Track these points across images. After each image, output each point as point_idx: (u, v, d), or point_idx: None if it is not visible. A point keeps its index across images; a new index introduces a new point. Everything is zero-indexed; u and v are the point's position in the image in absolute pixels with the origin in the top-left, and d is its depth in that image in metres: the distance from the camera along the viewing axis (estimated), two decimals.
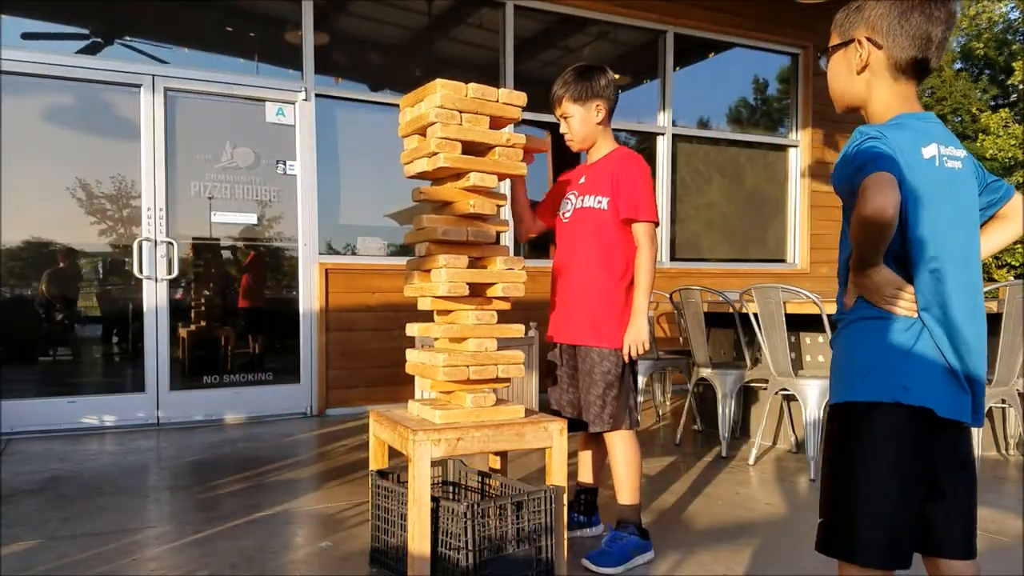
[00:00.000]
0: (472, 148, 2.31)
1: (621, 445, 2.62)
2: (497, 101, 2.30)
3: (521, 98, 2.32)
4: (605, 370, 2.55)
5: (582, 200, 2.65)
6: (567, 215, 2.71)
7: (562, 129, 2.70)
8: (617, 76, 2.73)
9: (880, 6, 1.48)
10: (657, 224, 2.59)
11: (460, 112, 2.24)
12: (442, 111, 2.21)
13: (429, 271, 2.31)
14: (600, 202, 2.60)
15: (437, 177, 2.40)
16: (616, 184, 2.57)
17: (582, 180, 2.69)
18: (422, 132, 2.32)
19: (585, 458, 2.83)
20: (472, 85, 2.25)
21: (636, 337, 2.54)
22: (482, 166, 2.28)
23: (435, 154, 2.23)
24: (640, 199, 2.54)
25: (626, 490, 2.62)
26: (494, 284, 2.32)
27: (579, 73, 2.63)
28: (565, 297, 2.67)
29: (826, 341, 4.05)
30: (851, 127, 7.43)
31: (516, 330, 2.38)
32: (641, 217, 2.54)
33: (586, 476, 2.83)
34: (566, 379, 2.69)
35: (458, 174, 2.31)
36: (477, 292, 2.32)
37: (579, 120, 2.64)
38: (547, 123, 6.31)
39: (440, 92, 2.21)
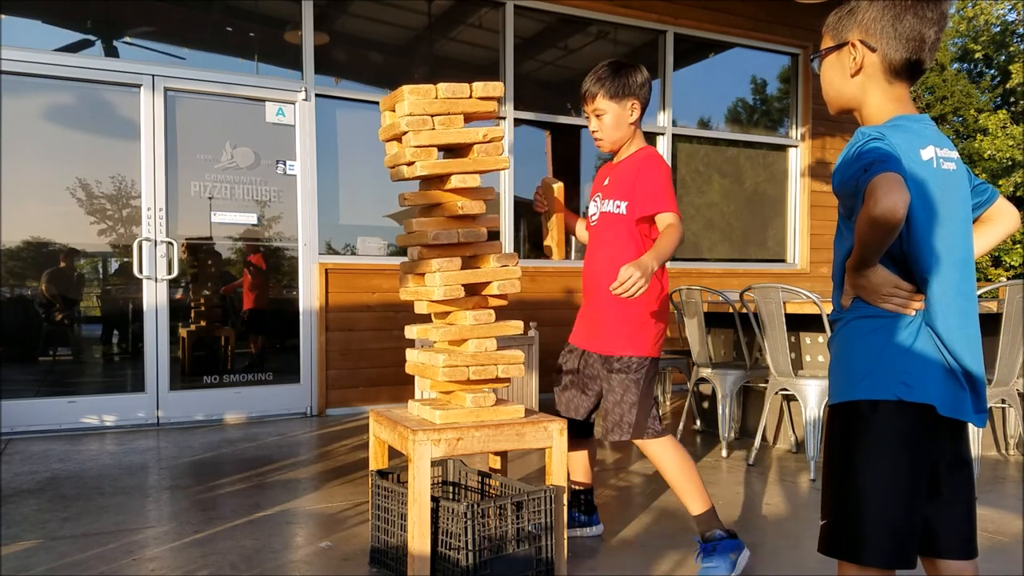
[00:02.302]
0: (452, 147, 2.28)
1: (660, 456, 2.51)
2: (470, 97, 2.23)
3: (497, 88, 2.25)
4: (631, 379, 2.48)
5: (604, 204, 2.58)
6: (594, 219, 2.63)
7: (592, 127, 2.58)
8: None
9: (873, 9, 1.48)
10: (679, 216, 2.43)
11: (431, 116, 2.19)
12: (412, 119, 2.16)
13: (423, 274, 2.30)
14: (619, 207, 2.52)
15: (423, 179, 2.38)
16: (634, 187, 2.48)
17: (606, 182, 2.62)
18: (398, 139, 2.28)
19: (576, 458, 2.79)
20: (442, 85, 2.20)
21: (636, 269, 2.18)
22: (462, 167, 2.24)
23: (412, 163, 2.20)
24: (658, 194, 2.43)
25: (689, 499, 2.49)
26: (489, 283, 2.31)
27: (614, 69, 2.51)
28: (590, 305, 2.61)
29: (826, 341, 4.05)
30: (851, 126, 7.44)
31: (515, 327, 2.35)
32: (663, 209, 2.41)
33: (579, 475, 2.81)
34: (579, 384, 2.64)
35: (441, 176, 2.28)
36: (473, 291, 2.31)
37: (613, 118, 2.52)
38: (547, 123, 6.32)
39: (408, 99, 2.16)
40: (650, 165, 2.49)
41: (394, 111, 2.27)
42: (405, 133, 2.19)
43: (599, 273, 2.55)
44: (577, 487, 2.81)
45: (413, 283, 2.36)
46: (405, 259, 2.42)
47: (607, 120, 2.53)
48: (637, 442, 2.53)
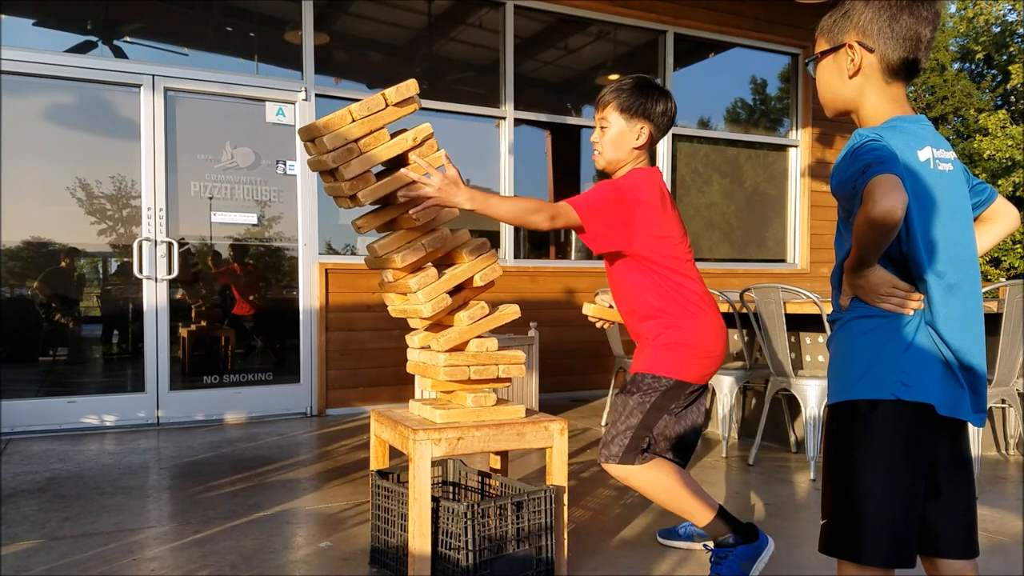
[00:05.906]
0: (389, 161, 2.22)
1: (633, 483, 2.31)
2: (387, 106, 2.15)
3: (411, 87, 2.16)
4: (636, 400, 2.27)
5: None
6: None
7: (593, 137, 2.39)
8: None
9: (868, 10, 1.48)
10: (581, 223, 2.13)
11: (355, 142, 2.09)
12: (336, 153, 2.07)
13: (405, 293, 2.27)
14: None
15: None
16: None
17: None
18: (331, 173, 2.17)
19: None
20: (355, 106, 2.10)
21: (438, 179, 2.01)
22: (402, 180, 2.15)
23: (354, 196, 2.13)
24: (580, 195, 2.22)
25: (689, 517, 2.33)
26: (471, 277, 2.29)
27: (639, 85, 2.32)
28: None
29: (826, 341, 4.04)
30: (851, 126, 7.43)
31: (512, 312, 2.33)
32: (570, 201, 2.17)
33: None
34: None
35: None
36: (459, 287, 2.31)
37: (615, 135, 2.32)
38: (547, 123, 6.31)
39: (326, 136, 2.05)
40: (598, 185, 2.29)
41: (314, 143, 2.15)
42: (334, 169, 2.11)
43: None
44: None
45: (399, 301, 2.33)
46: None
47: (609, 134, 2.34)
48: (611, 470, 2.29)
